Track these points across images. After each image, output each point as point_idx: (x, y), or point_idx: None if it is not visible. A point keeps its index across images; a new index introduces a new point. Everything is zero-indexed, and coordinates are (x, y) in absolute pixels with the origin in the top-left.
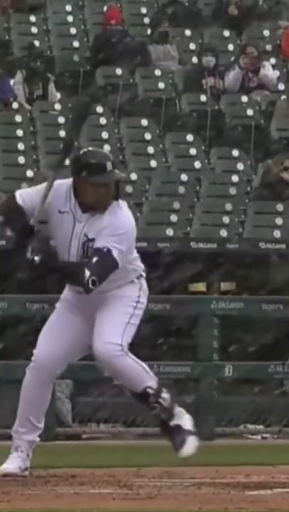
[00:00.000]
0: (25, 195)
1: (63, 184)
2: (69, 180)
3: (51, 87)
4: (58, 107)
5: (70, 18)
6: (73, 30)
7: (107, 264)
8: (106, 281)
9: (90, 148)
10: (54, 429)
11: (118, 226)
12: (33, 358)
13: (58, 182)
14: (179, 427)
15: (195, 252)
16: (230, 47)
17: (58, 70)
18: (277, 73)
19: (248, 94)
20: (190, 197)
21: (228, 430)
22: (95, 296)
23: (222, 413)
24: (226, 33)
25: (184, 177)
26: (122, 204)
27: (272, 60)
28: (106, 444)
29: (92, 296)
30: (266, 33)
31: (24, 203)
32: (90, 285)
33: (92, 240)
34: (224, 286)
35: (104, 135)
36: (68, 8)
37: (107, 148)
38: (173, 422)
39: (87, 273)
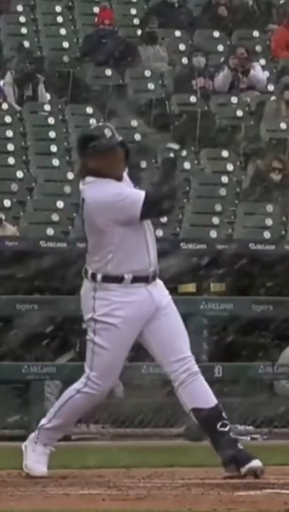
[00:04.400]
0: None
1: (99, 183)
2: (94, 182)
3: (41, 87)
4: (47, 107)
5: (60, 19)
6: (63, 31)
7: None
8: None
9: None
10: None
11: None
12: (92, 386)
13: (101, 187)
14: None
15: (185, 253)
16: (220, 48)
17: (47, 70)
18: (266, 74)
19: (237, 95)
20: (180, 198)
21: None
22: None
23: None
24: (216, 34)
25: None
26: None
27: (262, 61)
28: (95, 445)
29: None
30: (256, 33)
31: None
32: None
33: None
34: (214, 287)
35: None
36: (58, 8)
37: None
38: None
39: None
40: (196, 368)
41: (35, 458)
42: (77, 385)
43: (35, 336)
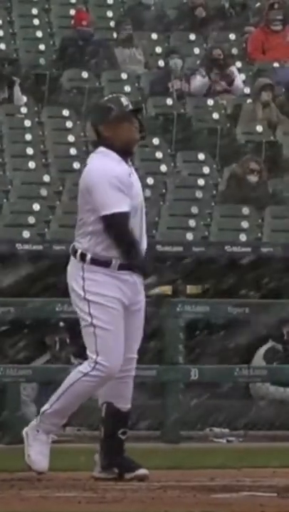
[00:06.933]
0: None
1: (104, 156)
2: (100, 151)
3: (17, 90)
4: (23, 110)
5: (36, 22)
6: (39, 34)
7: None
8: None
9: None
10: (20, 432)
11: None
12: (100, 369)
13: (101, 162)
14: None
15: (161, 255)
16: (196, 51)
17: (23, 73)
18: (243, 77)
19: (214, 97)
20: (156, 200)
21: (194, 433)
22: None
23: (188, 416)
24: (192, 37)
25: (150, 180)
26: None
27: (238, 64)
28: (71, 448)
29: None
30: (232, 36)
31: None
32: None
33: None
34: (190, 289)
35: (71, 138)
36: (34, 11)
37: (73, 152)
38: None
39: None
40: (134, 371)
41: (38, 448)
42: (83, 368)
43: (11, 338)
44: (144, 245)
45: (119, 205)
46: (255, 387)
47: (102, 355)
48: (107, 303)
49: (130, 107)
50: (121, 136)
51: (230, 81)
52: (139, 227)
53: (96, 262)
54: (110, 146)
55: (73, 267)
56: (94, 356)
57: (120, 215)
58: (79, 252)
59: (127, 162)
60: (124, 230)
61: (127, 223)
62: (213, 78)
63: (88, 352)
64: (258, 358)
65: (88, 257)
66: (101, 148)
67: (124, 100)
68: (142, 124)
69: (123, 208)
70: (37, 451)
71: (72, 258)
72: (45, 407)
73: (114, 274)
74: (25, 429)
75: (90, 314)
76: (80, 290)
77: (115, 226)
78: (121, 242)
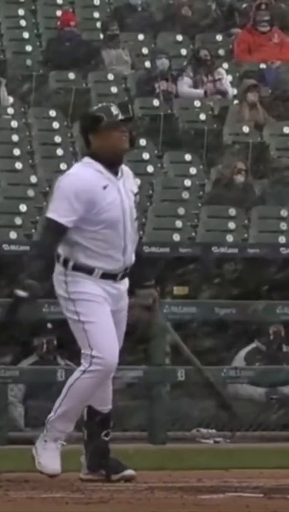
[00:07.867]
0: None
1: (84, 167)
2: (84, 161)
3: (3, 91)
4: (10, 111)
5: (22, 23)
6: (26, 35)
7: None
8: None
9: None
10: (6, 433)
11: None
12: (97, 362)
13: (76, 171)
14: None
15: (148, 257)
16: (183, 52)
17: (10, 74)
18: (230, 78)
19: (200, 98)
20: (143, 201)
21: (181, 434)
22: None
23: (175, 417)
24: (179, 38)
25: (136, 181)
26: None
27: (225, 65)
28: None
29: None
30: (219, 37)
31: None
32: None
33: (136, 193)
34: (177, 290)
35: (57, 139)
36: (21, 12)
37: (59, 152)
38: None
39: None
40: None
41: (47, 454)
42: (81, 367)
43: None
44: (130, 258)
45: (61, 215)
46: (242, 388)
47: (95, 349)
48: (91, 298)
49: (120, 116)
50: (111, 146)
51: (223, 92)
52: (122, 239)
53: (78, 268)
54: (97, 156)
55: (57, 272)
56: (88, 352)
57: (56, 224)
58: (62, 257)
59: (116, 173)
60: (48, 238)
61: (57, 233)
62: (209, 91)
63: (83, 350)
64: (239, 360)
65: (71, 263)
66: (86, 159)
67: (114, 109)
68: (132, 134)
69: (62, 219)
70: (46, 457)
71: (56, 263)
72: (50, 414)
73: (97, 280)
74: (35, 445)
75: (76, 312)
76: (65, 293)
77: (45, 230)
78: (38, 246)
